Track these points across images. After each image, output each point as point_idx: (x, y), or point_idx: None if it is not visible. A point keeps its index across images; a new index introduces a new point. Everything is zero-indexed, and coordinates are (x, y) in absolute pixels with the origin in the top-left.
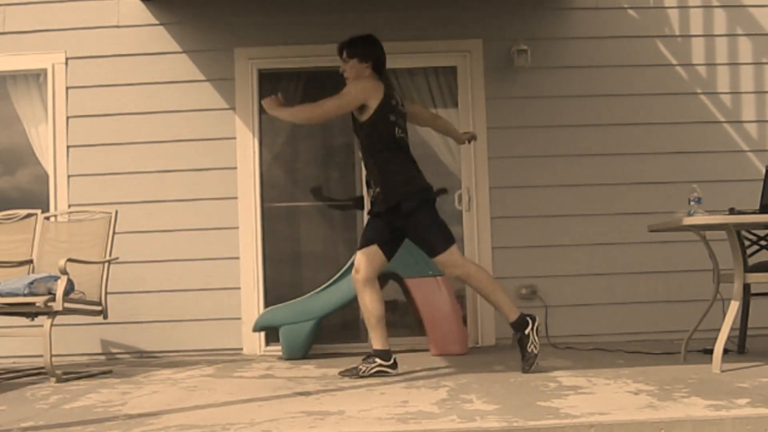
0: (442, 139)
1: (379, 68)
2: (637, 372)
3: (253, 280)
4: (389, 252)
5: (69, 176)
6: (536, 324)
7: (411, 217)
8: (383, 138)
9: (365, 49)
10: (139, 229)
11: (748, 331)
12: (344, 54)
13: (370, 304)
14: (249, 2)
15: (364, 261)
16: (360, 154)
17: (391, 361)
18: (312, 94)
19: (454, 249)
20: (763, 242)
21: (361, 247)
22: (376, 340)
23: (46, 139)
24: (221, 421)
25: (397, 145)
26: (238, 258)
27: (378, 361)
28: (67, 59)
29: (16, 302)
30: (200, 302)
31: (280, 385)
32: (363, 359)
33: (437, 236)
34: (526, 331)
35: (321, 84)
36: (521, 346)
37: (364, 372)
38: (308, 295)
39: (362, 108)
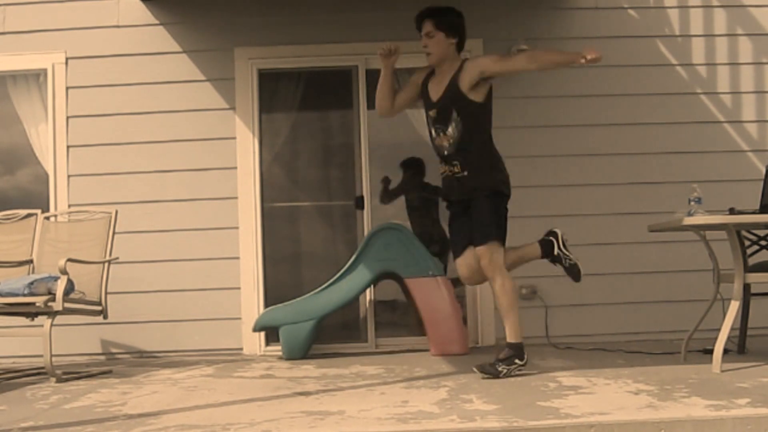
0: None
1: (461, 46)
2: (637, 372)
3: (253, 280)
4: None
5: (69, 176)
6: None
7: (490, 199)
8: (490, 123)
9: (455, 21)
10: (139, 229)
11: (748, 331)
12: (428, 26)
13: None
14: (249, 2)
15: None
16: (435, 136)
17: (525, 358)
18: (312, 94)
19: (502, 249)
20: (763, 242)
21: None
22: (511, 332)
23: (46, 139)
24: (221, 421)
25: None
26: (238, 258)
27: (517, 361)
28: (67, 59)
29: (16, 302)
30: (200, 302)
31: (280, 385)
32: (501, 358)
33: (498, 226)
34: (555, 252)
35: (321, 84)
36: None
37: (504, 374)
38: (308, 295)
39: (478, 85)
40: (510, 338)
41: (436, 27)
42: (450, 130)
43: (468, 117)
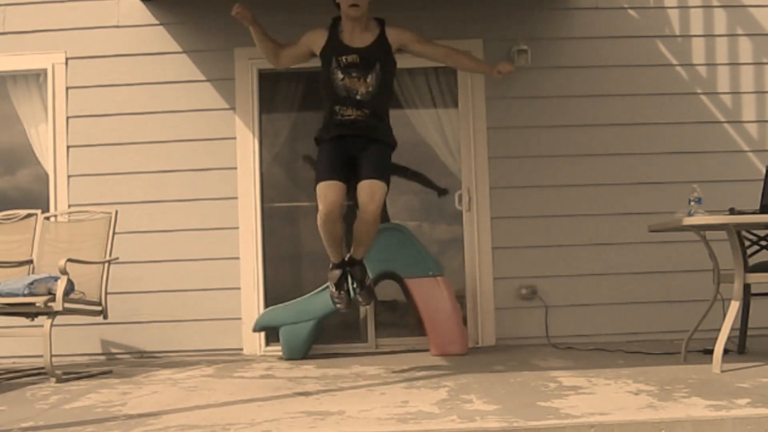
0: (442, 139)
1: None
2: (637, 372)
3: (253, 281)
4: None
5: (69, 176)
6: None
7: (390, 151)
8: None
9: None
10: (139, 229)
11: (748, 332)
12: None
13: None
14: (249, 2)
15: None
16: (346, 77)
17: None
18: (312, 94)
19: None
20: (763, 242)
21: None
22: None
23: (46, 139)
24: (221, 421)
25: None
26: (238, 258)
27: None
28: (67, 59)
29: (16, 302)
30: (200, 302)
31: (280, 386)
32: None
33: (389, 176)
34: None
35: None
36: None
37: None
38: (308, 295)
39: (394, 48)
40: (362, 256)
41: None
42: (370, 78)
43: (387, 72)
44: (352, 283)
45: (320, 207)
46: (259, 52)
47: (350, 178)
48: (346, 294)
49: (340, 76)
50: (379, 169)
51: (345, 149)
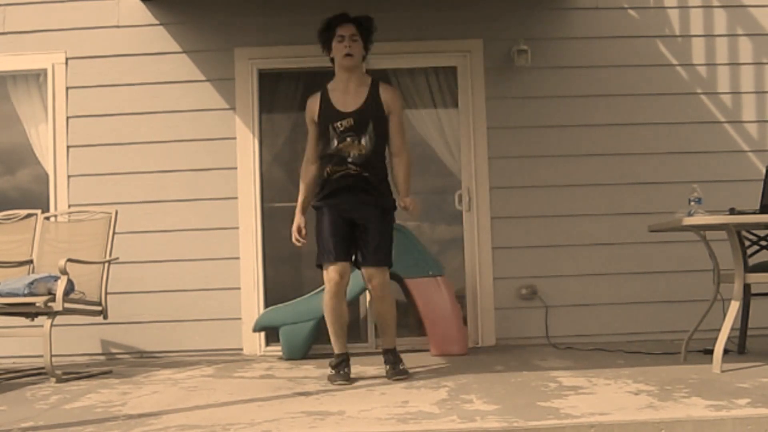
0: (442, 139)
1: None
2: (637, 372)
3: (253, 281)
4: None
5: (69, 176)
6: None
7: (389, 218)
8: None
9: (372, 32)
10: (139, 229)
11: (748, 332)
12: (353, 29)
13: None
14: (249, 2)
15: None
16: (340, 143)
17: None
18: (312, 93)
19: None
20: (763, 242)
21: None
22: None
23: (46, 139)
24: (221, 421)
25: None
26: (238, 258)
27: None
28: (67, 59)
29: (16, 302)
30: (200, 302)
31: (280, 386)
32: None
33: (391, 252)
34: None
35: (321, 84)
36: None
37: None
38: (308, 295)
39: (385, 108)
40: (393, 345)
41: (361, 35)
42: (364, 141)
43: (380, 133)
44: (386, 367)
45: (327, 287)
46: (261, 53)
47: (351, 245)
48: (346, 375)
49: (335, 143)
50: (382, 251)
51: (342, 217)
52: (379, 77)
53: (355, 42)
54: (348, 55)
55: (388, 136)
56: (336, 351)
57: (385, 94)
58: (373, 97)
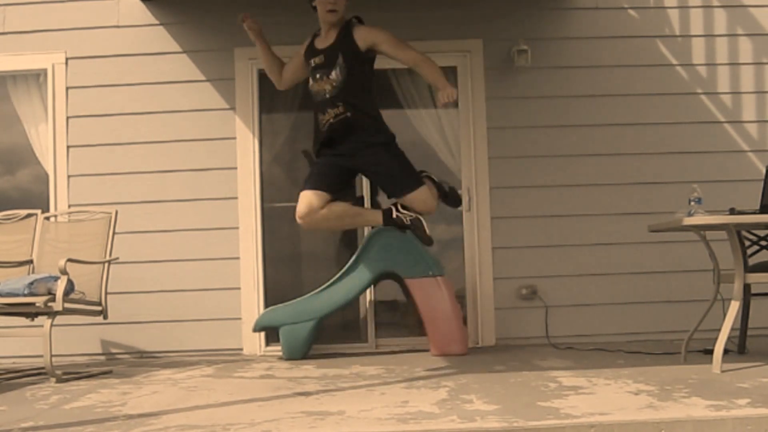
0: (442, 139)
1: None
2: (637, 372)
3: (253, 281)
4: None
5: (69, 176)
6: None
7: (388, 148)
8: (373, 84)
9: None
10: (139, 229)
11: (748, 332)
12: None
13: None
14: (249, 2)
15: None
16: (314, 82)
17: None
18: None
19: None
20: (763, 242)
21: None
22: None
23: (46, 139)
24: (221, 421)
25: None
26: (238, 258)
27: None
28: (67, 59)
29: (16, 302)
30: (200, 302)
31: (280, 386)
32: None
33: (412, 170)
34: (394, 216)
35: None
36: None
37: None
38: (308, 295)
39: (370, 50)
40: (378, 220)
41: None
42: (334, 74)
43: (354, 66)
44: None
45: (298, 209)
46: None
47: (343, 188)
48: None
49: (311, 81)
50: (401, 180)
51: (339, 164)
52: (352, 20)
53: None
54: (331, 11)
55: (366, 73)
56: (377, 219)
57: (359, 33)
58: (344, 35)
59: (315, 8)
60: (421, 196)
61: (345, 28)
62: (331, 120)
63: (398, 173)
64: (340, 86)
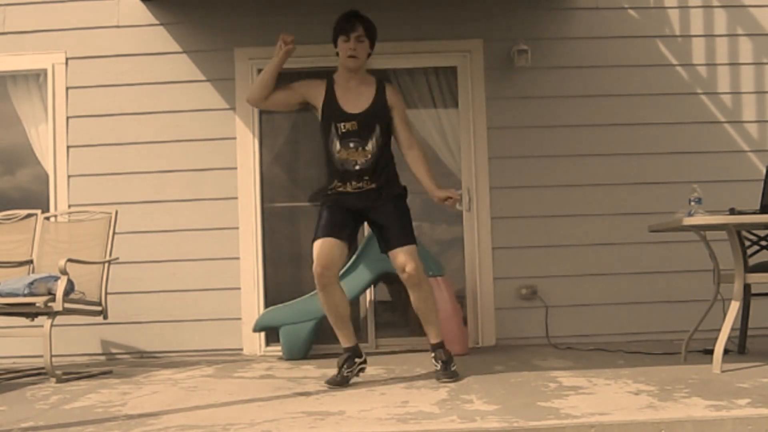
0: (442, 139)
1: None
2: (637, 372)
3: (253, 281)
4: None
5: (69, 176)
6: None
7: (400, 203)
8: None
9: (376, 35)
10: (139, 229)
11: (748, 332)
12: (361, 30)
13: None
14: (249, 2)
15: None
16: (342, 149)
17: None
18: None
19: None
20: (763, 242)
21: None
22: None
23: (46, 139)
24: (221, 421)
25: None
26: (238, 258)
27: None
28: (67, 59)
29: (16, 302)
30: (200, 303)
31: (281, 386)
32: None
33: (412, 231)
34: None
35: None
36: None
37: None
38: (308, 295)
39: (390, 108)
40: (440, 337)
41: (367, 35)
42: (370, 145)
43: (386, 135)
44: (437, 366)
45: (313, 269)
46: (261, 53)
47: (353, 234)
48: (341, 377)
49: (338, 147)
50: (404, 232)
51: (348, 209)
52: (381, 77)
53: (360, 43)
54: (352, 56)
55: (391, 135)
56: (343, 344)
57: (390, 93)
58: (380, 98)
59: (337, 54)
60: (417, 261)
61: (379, 89)
62: (350, 191)
63: (404, 226)
64: (374, 159)
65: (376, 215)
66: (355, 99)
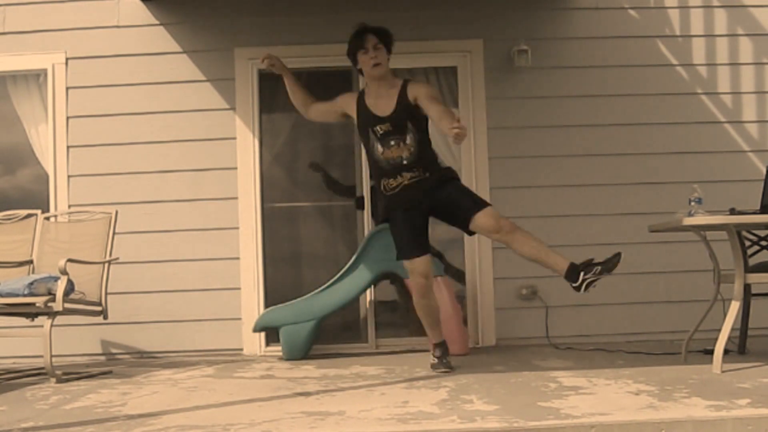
0: (442, 139)
1: None
2: (637, 372)
3: (253, 281)
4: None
5: (69, 176)
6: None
7: (453, 183)
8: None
9: (391, 39)
10: (139, 229)
11: (748, 332)
12: (374, 39)
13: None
14: (249, 2)
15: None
16: (386, 149)
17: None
18: (312, 93)
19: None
20: (763, 242)
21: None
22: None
23: (46, 139)
24: (221, 421)
25: None
26: (238, 258)
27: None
28: (67, 59)
29: (16, 302)
30: (200, 303)
31: (281, 386)
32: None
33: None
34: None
35: (321, 84)
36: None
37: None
38: (308, 295)
39: (413, 102)
40: (566, 263)
41: (384, 44)
42: (409, 140)
43: (420, 125)
44: (588, 276)
45: (414, 281)
46: (261, 53)
47: (428, 239)
48: (448, 363)
49: (380, 148)
50: (475, 199)
51: (413, 216)
52: (406, 76)
53: (379, 50)
54: (376, 65)
55: (425, 127)
56: (434, 341)
57: (411, 88)
58: (403, 97)
59: (361, 72)
60: (494, 211)
61: (402, 87)
62: (406, 182)
63: (474, 194)
64: (417, 150)
65: (440, 200)
66: (385, 103)
